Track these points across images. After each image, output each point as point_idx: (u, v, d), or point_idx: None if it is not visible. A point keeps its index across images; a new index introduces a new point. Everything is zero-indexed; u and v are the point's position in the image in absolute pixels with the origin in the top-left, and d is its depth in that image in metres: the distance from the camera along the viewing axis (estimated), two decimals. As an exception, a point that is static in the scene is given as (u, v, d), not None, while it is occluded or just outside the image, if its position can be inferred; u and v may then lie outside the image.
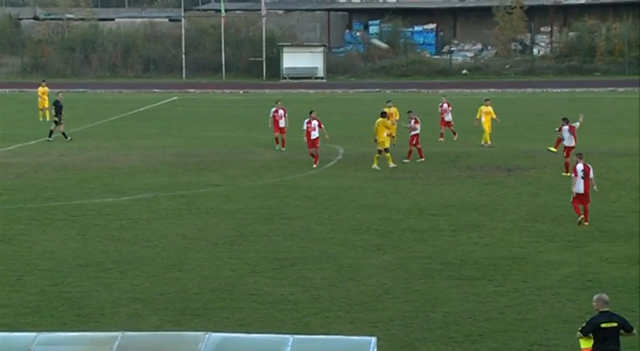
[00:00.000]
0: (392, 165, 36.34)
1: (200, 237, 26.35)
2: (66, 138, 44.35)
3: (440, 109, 43.86)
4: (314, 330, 18.83)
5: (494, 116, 41.99)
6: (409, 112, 39.08)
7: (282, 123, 41.14)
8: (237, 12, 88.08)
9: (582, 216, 27.27)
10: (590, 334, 15.23)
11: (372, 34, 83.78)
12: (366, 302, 20.78)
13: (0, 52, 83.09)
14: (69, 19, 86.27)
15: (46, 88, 53.10)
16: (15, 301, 20.92)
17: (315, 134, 37.15)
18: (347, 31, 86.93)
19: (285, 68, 77.20)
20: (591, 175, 27.44)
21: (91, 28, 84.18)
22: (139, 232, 26.87)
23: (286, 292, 21.46)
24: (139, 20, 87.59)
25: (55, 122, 44.92)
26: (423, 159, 37.82)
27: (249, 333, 16.61)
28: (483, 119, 41.97)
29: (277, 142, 41.30)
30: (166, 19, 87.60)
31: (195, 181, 34.48)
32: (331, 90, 70.87)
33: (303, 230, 27.04)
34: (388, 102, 41.92)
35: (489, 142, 41.77)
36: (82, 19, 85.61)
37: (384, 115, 37.50)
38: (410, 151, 38.09)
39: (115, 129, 49.00)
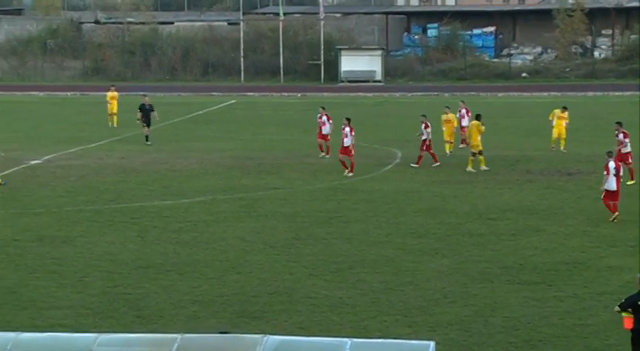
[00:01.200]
0: (484, 167, 36.32)
1: (258, 240, 26.42)
2: (147, 141, 44.26)
3: (458, 115, 42.66)
4: (372, 333, 18.83)
5: (567, 121, 41.35)
6: (422, 115, 38.89)
7: (325, 130, 40.02)
8: (296, 15, 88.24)
9: (617, 213, 27.79)
10: (630, 310, 16.20)
11: (431, 37, 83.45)
12: (424, 306, 20.73)
13: (62, 56, 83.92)
14: (129, 22, 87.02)
15: (115, 93, 51.75)
16: (76, 302, 21.14)
17: (347, 142, 36.14)
18: (405, 34, 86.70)
19: (343, 71, 77.14)
20: (621, 172, 28.39)
21: (151, 31, 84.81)
22: (198, 235, 27.02)
23: (344, 296, 21.46)
24: (198, 24, 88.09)
25: (144, 125, 44.62)
26: (437, 163, 37.46)
27: (308, 336, 16.63)
28: (555, 123, 41.46)
29: (322, 150, 40.21)
30: (225, 23, 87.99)
31: (254, 183, 34.58)
32: (389, 93, 70.70)
33: (361, 233, 27.01)
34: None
35: (554, 146, 41.22)
36: (142, 23, 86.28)
37: (478, 117, 37.28)
38: (420, 157, 37.76)
39: (174, 132, 49.31)
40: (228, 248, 25.61)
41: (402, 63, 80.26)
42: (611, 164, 28.16)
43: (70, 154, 41.99)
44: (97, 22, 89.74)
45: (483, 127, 37.02)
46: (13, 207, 30.72)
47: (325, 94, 70.63)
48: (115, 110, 51.23)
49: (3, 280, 22.75)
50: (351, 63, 76.88)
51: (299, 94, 70.57)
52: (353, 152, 36.19)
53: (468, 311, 20.38)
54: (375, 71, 77.14)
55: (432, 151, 37.87)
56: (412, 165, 37.48)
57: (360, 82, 75.73)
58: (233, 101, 66.32)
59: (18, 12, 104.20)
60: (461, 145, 41.58)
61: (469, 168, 36.27)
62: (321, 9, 79.29)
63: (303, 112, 58.53)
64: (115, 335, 13.97)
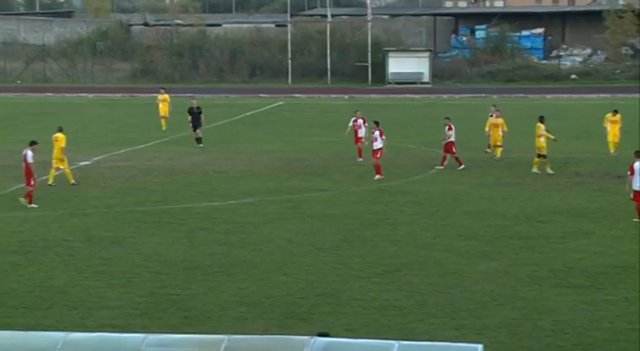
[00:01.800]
0: (540, 170, 36.03)
1: (305, 241, 26.40)
2: (198, 144, 44.09)
3: (489, 119, 42.04)
4: (419, 336, 18.72)
5: (620, 125, 40.97)
6: (446, 118, 38.63)
7: (360, 133, 39.65)
8: (343, 17, 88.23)
9: None
10: None
11: (479, 38, 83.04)
12: (471, 309, 20.61)
13: (111, 58, 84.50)
14: (178, 24, 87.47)
15: (166, 96, 51.62)
16: (125, 303, 21.24)
17: (377, 145, 35.62)
18: (453, 35, 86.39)
19: (391, 73, 76.99)
20: None
21: (199, 33, 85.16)
22: (245, 236, 27.06)
23: (391, 298, 21.38)
24: (245, 26, 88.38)
25: (193, 128, 44.42)
26: (462, 166, 37.22)
27: (354, 338, 16.59)
28: (609, 128, 41.01)
29: (360, 155, 39.66)
30: (273, 25, 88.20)
31: (301, 185, 34.58)
32: (437, 95, 70.42)
33: (408, 236, 26.92)
34: (493, 113, 41.16)
35: (612, 151, 40.70)
36: (191, 25, 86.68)
37: (541, 119, 36.88)
38: (444, 158, 37.65)
39: (221, 134, 49.44)
40: (276, 250, 25.61)
41: (449, 65, 79.94)
42: (637, 165, 27.97)
43: (119, 155, 42.23)
44: (145, 24, 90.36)
45: (542, 130, 36.60)
46: (63, 207, 30.98)
47: (372, 95, 70.53)
48: (165, 113, 51.03)
49: (53, 280, 22.95)
50: (398, 65, 76.68)
51: (346, 96, 70.47)
52: (379, 155, 35.59)
53: (516, 314, 20.22)
54: (422, 73, 76.89)
55: (446, 153, 37.61)
56: (458, 168, 37.29)
57: (408, 83, 75.51)
58: (280, 103, 66.40)
59: (68, 14, 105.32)
60: (487, 150, 41.03)
61: (548, 170, 35.97)
62: (369, 11, 79.19)
63: (350, 114, 58.31)
64: (163, 336, 14.00)
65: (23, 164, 31.32)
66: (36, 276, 23.34)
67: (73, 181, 34.65)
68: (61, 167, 34.74)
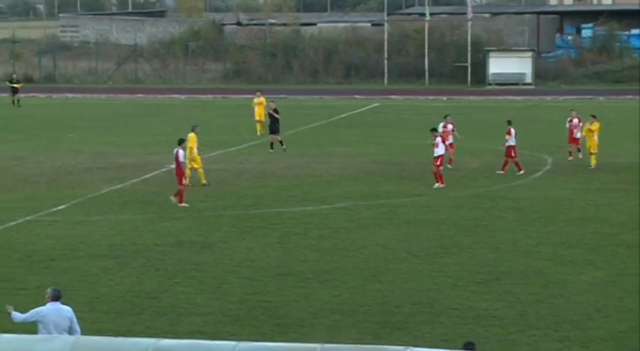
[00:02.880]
0: None
1: (401, 248, 25.78)
2: (271, 149, 43.30)
3: (568, 125, 39.99)
4: (520, 348, 18.20)
5: None
6: (508, 121, 37.40)
7: (449, 139, 38.07)
8: (442, 16, 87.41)
9: None
10: None
11: (585, 37, 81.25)
12: (575, 320, 19.86)
13: (203, 58, 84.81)
14: (271, 24, 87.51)
15: (262, 99, 49.88)
16: (215, 309, 20.87)
17: (438, 151, 34.18)
18: (557, 34, 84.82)
19: (491, 74, 75.83)
20: None
21: (293, 33, 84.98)
22: (339, 242, 26.51)
23: (490, 308, 20.73)
24: (341, 25, 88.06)
25: (271, 132, 43.68)
26: (521, 172, 36.17)
27: (451, 348, 16.13)
28: None
29: (450, 162, 38.24)
30: (369, 24, 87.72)
31: (396, 190, 33.90)
32: (540, 97, 69.07)
33: (508, 243, 26.14)
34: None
35: None
36: (284, 24, 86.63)
37: None
38: (505, 163, 36.58)
39: (315, 136, 49.02)
40: (370, 256, 25.02)
41: (553, 65, 78.46)
42: None
43: (210, 158, 41.91)
44: (238, 23, 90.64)
45: None
46: (154, 211, 30.77)
47: (472, 97, 69.58)
48: (261, 117, 49.52)
49: (143, 285, 22.68)
50: (499, 65, 75.46)
51: (444, 98, 69.60)
52: (439, 162, 34.27)
53: (623, 327, 19.42)
54: (524, 74, 75.61)
55: (507, 158, 36.53)
56: (497, 172, 36.32)
57: (509, 85, 74.32)
58: (376, 104, 65.84)
59: (161, 14, 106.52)
60: (569, 158, 39.53)
61: None
62: (469, 9, 78.08)
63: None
64: (254, 343, 13.62)
65: (174, 163, 31.60)
66: (126, 281, 23.09)
67: (204, 182, 34.72)
68: (195, 167, 34.74)
